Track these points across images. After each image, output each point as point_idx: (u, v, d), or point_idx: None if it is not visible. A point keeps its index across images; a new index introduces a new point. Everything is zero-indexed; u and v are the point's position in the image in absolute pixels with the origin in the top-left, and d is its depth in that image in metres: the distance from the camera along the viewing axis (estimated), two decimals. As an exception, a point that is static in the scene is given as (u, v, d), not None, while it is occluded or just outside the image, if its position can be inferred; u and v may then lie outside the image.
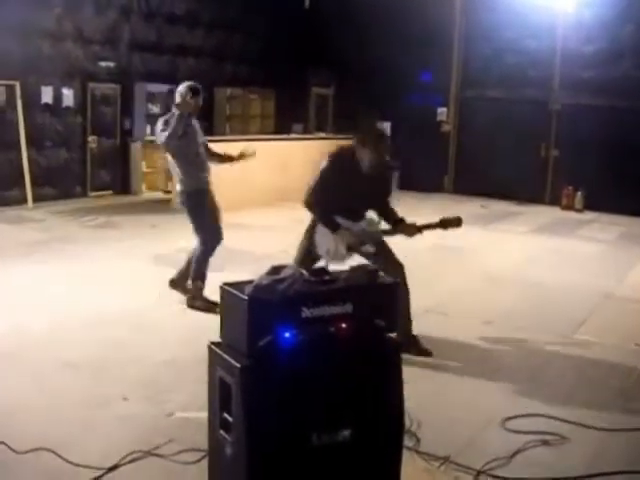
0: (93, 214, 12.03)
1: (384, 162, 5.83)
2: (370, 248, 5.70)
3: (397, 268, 5.63)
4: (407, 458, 3.67)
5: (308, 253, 5.81)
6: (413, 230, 5.75)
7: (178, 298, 7.05)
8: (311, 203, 5.70)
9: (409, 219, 5.87)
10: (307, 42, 17.29)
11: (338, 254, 5.67)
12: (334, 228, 5.63)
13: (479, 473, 3.99)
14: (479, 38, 16.33)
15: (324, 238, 5.70)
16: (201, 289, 6.86)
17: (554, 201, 15.53)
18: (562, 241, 11.63)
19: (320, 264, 5.49)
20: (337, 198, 5.64)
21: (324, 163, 5.74)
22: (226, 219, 11.56)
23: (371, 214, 5.84)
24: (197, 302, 6.84)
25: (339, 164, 5.72)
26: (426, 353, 5.80)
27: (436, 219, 5.78)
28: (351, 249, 5.67)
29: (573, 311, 7.45)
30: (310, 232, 5.84)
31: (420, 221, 5.84)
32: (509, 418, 4.69)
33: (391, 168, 6.01)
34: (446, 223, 5.75)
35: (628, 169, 14.50)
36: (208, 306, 6.67)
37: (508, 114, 15.88)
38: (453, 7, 16.48)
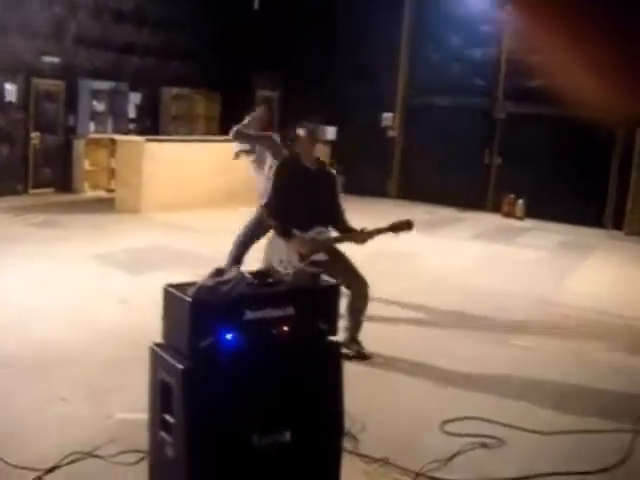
0: (34, 212, 11.84)
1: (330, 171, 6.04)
2: (322, 256, 5.81)
3: (361, 284, 5.82)
4: (346, 460, 3.71)
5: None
6: (364, 237, 5.81)
7: (120, 298, 7.00)
8: (269, 212, 5.88)
9: (357, 225, 5.95)
10: (254, 44, 17.26)
11: (291, 264, 5.74)
12: (287, 237, 5.75)
13: (418, 475, 4.05)
14: (426, 46, 16.52)
15: (277, 249, 5.81)
16: None
17: (496, 208, 15.77)
18: (503, 248, 11.82)
19: None
20: (289, 205, 5.80)
21: (275, 171, 6.01)
22: (171, 220, 11.59)
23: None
24: None
25: (286, 169, 5.95)
26: (365, 357, 5.89)
27: (386, 224, 5.84)
28: (303, 259, 5.74)
29: (512, 316, 7.59)
30: (266, 246, 5.99)
31: (369, 227, 5.91)
32: (448, 421, 4.77)
33: (333, 175, 6.09)
34: (396, 227, 5.83)
35: (569, 178, 14.83)
36: None
37: (453, 122, 16.08)
38: (401, 15, 16.63)
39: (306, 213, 5.82)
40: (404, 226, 5.83)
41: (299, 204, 5.78)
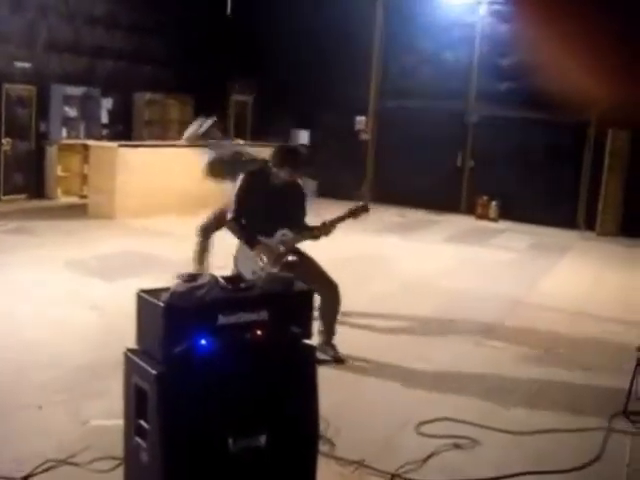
0: (6, 219, 11.74)
1: (297, 183, 6.00)
2: (292, 258, 5.82)
3: (331, 288, 5.81)
4: (322, 463, 3.72)
5: None
6: (327, 229, 5.85)
7: (94, 304, 6.97)
8: (230, 222, 5.78)
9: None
10: (228, 49, 17.25)
11: (265, 272, 5.71)
12: (253, 244, 5.68)
13: (393, 476, 4.07)
14: (398, 49, 16.58)
15: (247, 262, 5.72)
16: None
17: (469, 210, 15.86)
18: (476, 250, 11.89)
19: None
20: (253, 215, 5.75)
21: (240, 181, 5.88)
22: (144, 226, 11.55)
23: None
24: None
25: (254, 180, 5.87)
26: (340, 360, 5.89)
27: (343, 211, 5.94)
28: (274, 264, 5.73)
29: (484, 318, 7.63)
30: (234, 260, 5.88)
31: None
32: (422, 423, 4.79)
33: (300, 186, 6.08)
34: (354, 212, 5.95)
35: (541, 180, 14.99)
36: None
37: (426, 124, 16.13)
38: (373, 18, 16.68)
39: (270, 220, 5.79)
40: (361, 210, 5.96)
41: (263, 212, 5.74)
